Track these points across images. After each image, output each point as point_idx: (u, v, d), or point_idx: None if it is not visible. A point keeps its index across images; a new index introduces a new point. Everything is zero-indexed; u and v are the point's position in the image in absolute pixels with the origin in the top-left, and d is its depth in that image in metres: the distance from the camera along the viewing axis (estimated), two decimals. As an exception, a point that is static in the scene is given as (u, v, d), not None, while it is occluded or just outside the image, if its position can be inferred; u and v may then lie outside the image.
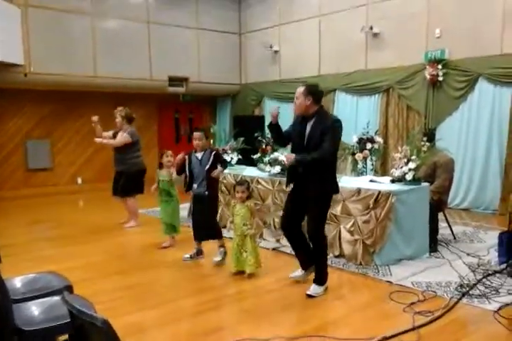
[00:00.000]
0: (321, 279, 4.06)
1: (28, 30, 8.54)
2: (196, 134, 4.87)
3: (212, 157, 4.87)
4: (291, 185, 4.18)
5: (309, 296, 3.95)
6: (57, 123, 10.07)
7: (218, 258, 4.91)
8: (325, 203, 4.01)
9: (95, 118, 6.58)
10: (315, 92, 3.91)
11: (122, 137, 6.44)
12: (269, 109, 3.79)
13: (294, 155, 3.88)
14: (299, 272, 4.33)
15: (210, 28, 10.99)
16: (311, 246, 4.10)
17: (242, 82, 11.72)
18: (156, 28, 10.13)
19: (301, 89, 3.90)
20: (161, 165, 5.60)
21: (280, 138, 4.24)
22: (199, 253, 5.13)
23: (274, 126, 4.12)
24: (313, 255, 4.13)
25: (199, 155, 4.90)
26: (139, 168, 6.55)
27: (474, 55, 7.36)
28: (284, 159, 3.84)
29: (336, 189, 4.05)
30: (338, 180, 4.09)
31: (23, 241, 5.98)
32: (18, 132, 9.66)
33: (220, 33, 11.21)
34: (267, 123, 11.32)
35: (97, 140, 6.61)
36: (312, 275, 4.16)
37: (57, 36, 8.86)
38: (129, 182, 6.48)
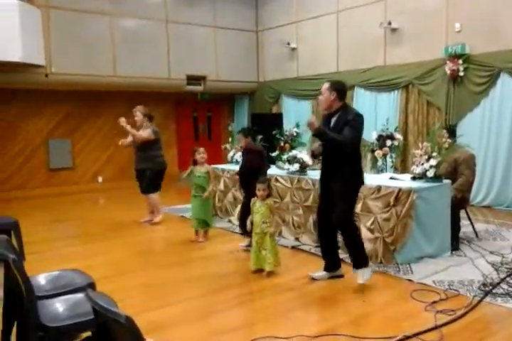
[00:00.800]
0: (361, 262, 4.06)
1: (48, 31, 8.67)
2: (238, 136, 5.50)
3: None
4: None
5: (361, 285, 4.00)
6: (78, 123, 10.21)
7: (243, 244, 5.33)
8: (351, 195, 4.04)
9: (123, 121, 6.46)
10: (339, 88, 4.00)
11: (146, 132, 6.49)
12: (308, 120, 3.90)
13: (317, 123, 3.88)
14: (321, 273, 4.33)
15: (227, 26, 11.01)
16: (343, 237, 4.13)
17: (259, 80, 11.72)
18: (173, 26, 10.19)
19: (326, 85, 4.00)
20: (195, 162, 5.71)
21: None
22: (250, 244, 5.21)
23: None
24: (347, 247, 4.13)
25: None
26: (161, 167, 6.65)
27: (495, 50, 7.23)
28: (307, 122, 3.87)
29: (360, 180, 4.08)
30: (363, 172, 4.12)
31: (46, 239, 6.08)
32: (40, 132, 9.82)
33: (237, 31, 11.22)
34: (284, 120, 11.28)
35: (125, 125, 6.43)
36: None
37: (77, 37, 8.98)
38: (152, 180, 6.58)
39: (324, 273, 4.32)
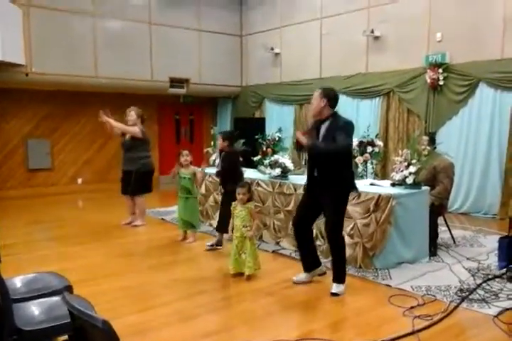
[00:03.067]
0: (341, 277, 4.12)
1: (29, 30, 8.55)
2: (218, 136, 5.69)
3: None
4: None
5: (334, 294, 4.02)
6: (58, 123, 10.07)
7: (209, 243, 5.51)
8: (342, 202, 4.08)
9: (102, 114, 6.44)
10: (331, 95, 4.01)
11: (134, 128, 6.48)
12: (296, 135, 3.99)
13: (305, 139, 3.92)
14: (302, 275, 4.34)
15: (211, 30, 11.00)
16: (330, 246, 4.17)
17: (243, 84, 11.74)
18: (157, 29, 10.14)
19: (317, 92, 4.01)
20: (181, 164, 5.80)
21: None
22: (219, 244, 5.53)
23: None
24: (332, 255, 4.17)
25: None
26: (149, 168, 6.64)
27: (475, 59, 7.38)
28: (297, 139, 3.96)
29: (352, 186, 4.12)
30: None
31: (23, 241, 5.97)
32: (19, 132, 9.65)
33: (221, 35, 11.22)
34: (267, 125, 11.31)
35: (107, 118, 6.43)
36: (315, 277, 4.26)
37: (58, 36, 8.87)
38: (139, 182, 6.55)
39: (305, 274, 4.34)
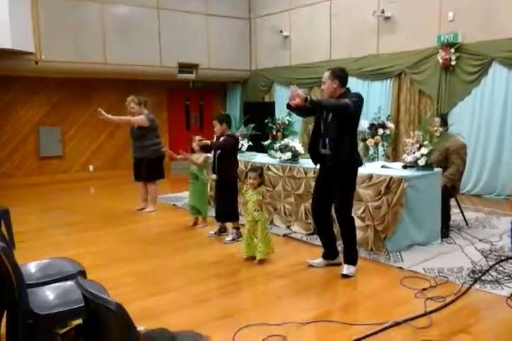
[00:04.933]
0: (352, 259, 4.14)
1: (38, 18, 8.52)
2: (214, 122, 5.34)
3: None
4: (318, 166, 4.23)
5: (345, 276, 4.04)
6: (68, 110, 10.11)
7: (229, 238, 5.24)
8: (352, 184, 4.09)
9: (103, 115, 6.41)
10: (341, 75, 4.02)
11: (138, 118, 6.46)
12: (290, 90, 3.71)
13: (303, 94, 3.71)
14: (318, 260, 4.36)
15: (219, 14, 10.88)
16: (340, 228, 4.16)
17: (252, 68, 11.64)
18: (165, 13, 10.05)
19: (327, 74, 4.03)
20: (192, 150, 5.82)
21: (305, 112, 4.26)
22: (222, 230, 5.50)
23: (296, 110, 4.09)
24: (343, 236, 4.18)
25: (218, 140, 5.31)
26: (158, 155, 6.64)
27: (488, 39, 7.22)
28: (293, 95, 3.62)
29: (359, 161, 4.13)
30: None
31: (37, 227, 6.05)
32: (30, 120, 9.71)
33: (229, 19, 11.09)
34: (277, 109, 11.22)
35: (107, 116, 6.38)
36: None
37: (67, 23, 8.84)
38: (151, 168, 6.58)
39: (321, 260, 4.35)
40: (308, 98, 3.64)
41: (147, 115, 6.54)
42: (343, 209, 4.09)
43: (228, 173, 5.24)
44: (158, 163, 6.67)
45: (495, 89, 7.32)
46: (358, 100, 3.89)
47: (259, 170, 4.68)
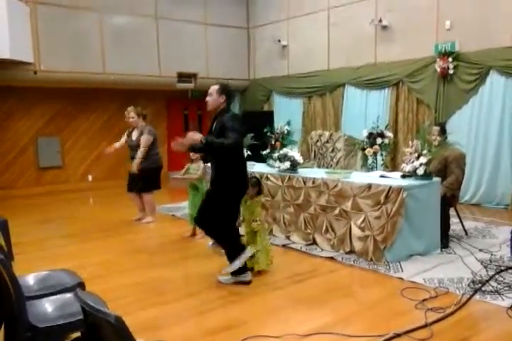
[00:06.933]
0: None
1: (37, 28, 8.57)
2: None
3: None
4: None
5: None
6: (67, 121, 10.12)
7: (211, 242, 5.05)
8: (223, 200, 4.13)
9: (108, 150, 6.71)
10: (228, 92, 4.16)
11: (145, 140, 6.46)
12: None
13: (200, 135, 3.92)
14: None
15: (218, 23, 10.95)
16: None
17: (250, 78, 11.69)
18: (164, 23, 10.11)
19: (216, 87, 4.14)
20: (191, 160, 5.88)
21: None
22: None
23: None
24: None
25: None
26: (157, 165, 6.65)
27: (485, 47, 7.27)
28: (190, 138, 3.92)
29: (242, 186, 4.19)
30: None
31: (36, 238, 6.02)
32: (29, 131, 9.71)
33: (228, 28, 11.17)
34: (276, 118, 11.27)
35: (111, 151, 6.70)
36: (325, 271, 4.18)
37: (66, 33, 8.89)
38: (147, 179, 6.55)
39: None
40: (204, 140, 3.84)
41: (149, 129, 6.53)
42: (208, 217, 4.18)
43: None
44: (156, 173, 6.65)
45: (492, 97, 7.35)
46: (237, 122, 3.96)
47: (256, 179, 4.66)
